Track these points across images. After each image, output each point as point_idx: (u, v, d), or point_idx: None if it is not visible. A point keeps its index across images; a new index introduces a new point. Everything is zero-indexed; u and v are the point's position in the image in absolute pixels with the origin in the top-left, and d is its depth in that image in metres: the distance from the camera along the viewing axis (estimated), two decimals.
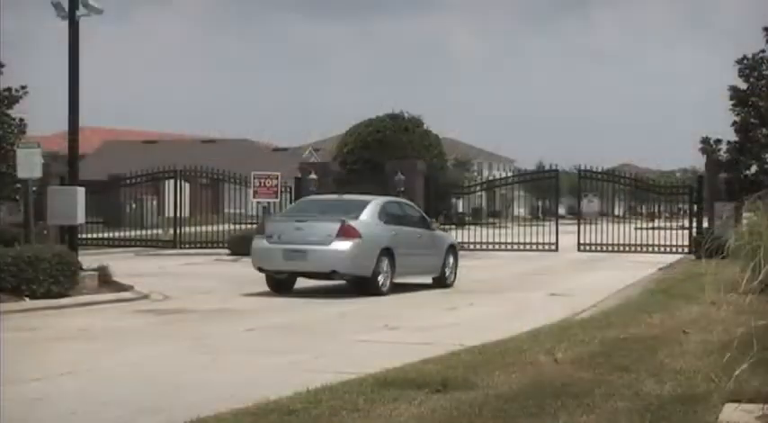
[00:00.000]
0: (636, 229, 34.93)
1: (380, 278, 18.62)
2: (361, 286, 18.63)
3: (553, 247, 34.16)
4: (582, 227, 34.36)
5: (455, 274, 21.22)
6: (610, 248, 33.97)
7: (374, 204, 19.57)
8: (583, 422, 7.24)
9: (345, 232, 18.38)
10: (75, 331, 13.47)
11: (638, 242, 34.00)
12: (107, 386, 9.39)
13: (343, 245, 18.30)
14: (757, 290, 7.00)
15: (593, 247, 34.02)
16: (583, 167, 36.54)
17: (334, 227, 18.42)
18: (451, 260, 21.05)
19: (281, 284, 19.13)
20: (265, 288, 19.18)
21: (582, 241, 34.24)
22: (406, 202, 22.58)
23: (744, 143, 31.77)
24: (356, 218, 18.77)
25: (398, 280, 19.29)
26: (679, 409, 7.50)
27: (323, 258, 18.33)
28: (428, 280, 20.64)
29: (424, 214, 22.22)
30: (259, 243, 19.19)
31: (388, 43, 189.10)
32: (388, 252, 18.84)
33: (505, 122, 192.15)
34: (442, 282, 20.65)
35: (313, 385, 8.40)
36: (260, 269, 19.18)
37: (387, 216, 19.59)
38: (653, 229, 35.06)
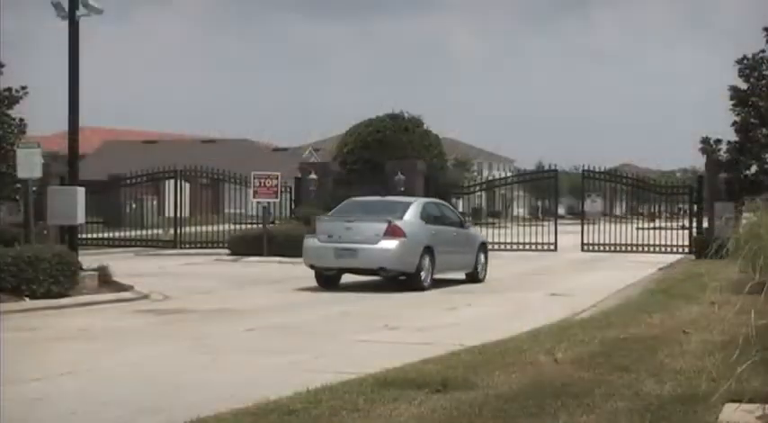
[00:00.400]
0: (638, 229, 34.93)
1: (423, 274, 19.82)
2: (406, 282, 19.79)
3: (552, 246, 34.25)
4: (585, 227, 34.46)
5: (486, 269, 22.58)
6: (613, 248, 34.05)
7: (416, 205, 21.01)
8: (583, 422, 7.24)
9: (392, 232, 19.60)
10: (75, 331, 13.47)
11: (640, 242, 34.06)
12: (107, 386, 9.39)
13: (390, 243, 19.50)
14: (757, 290, 7.00)
15: (597, 247, 34.13)
16: (586, 168, 36.53)
17: (382, 227, 19.63)
18: (482, 257, 22.49)
19: (328, 280, 20.27)
20: (265, 287, 19.23)
21: (585, 241, 34.33)
22: (442, 203, 23.76)
23: (744, 143, 31.72)
24: (400, 218, 20.03)
25: (437, 276, 20.36)
26: (679, 409, 7.50)
27: (372, 256, 19.48)
28: (461, 275, 21.80)
29: (458, 214, 23.67)
30: (311, 242, 20.21)
31: (388, 43, 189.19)
32: (429, 250, 20.01)
33: (505, 122, 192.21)
34: (474, 277, 22.02)
35: (313, 385, 8.41)
36: (312, 266, 20.30)
37: (427, 216, 20.88)
38: (655, 229, 35.06)
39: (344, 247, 19.58)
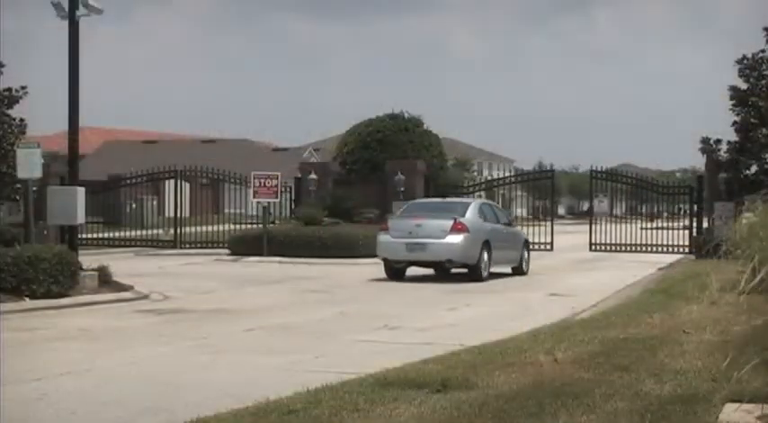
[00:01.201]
0: (642, 229, 34.94)
1: (482, 266, 22.01)
2: (468, 273, 22.00)
3: (548, 246, 34.26)
4: (592, 226, 34.49)
5: (528, 264, 24.71)
6: (619, 248, 34.10)
7: (474, 205, 23.58)
8: (583, 422, 7.24)
9: (457, 228, 21.79)
10: (75, 331, 13.46)
11: (645, 242, 34.08)
12: (107, 386, 9.39)
13: (456, 238, 21.72)
14: (756, 289, 6.99)
15: (604, 247, 34.21)
16: (594, 168, 36.48)
17: (448, 223, 21.80)
18: (526, 253, 24.76)
19: (396, 272, 22.40)
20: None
21: (593, 241, 34.39)
22: (494, 204, 26.82)
23: (744, 143, 31.68)
24: (463, 216, 22.25)
25: (492, 269, 22.47)
26: (679, 409, 7.49)
27: (440, 249, 21.69)
28: (507, 269, 23.79)
29: (506, 214, 26.13)
30: (384, 238, 22.41)
31: (388, 43, 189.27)
32: (487, 245, 22.25)
33: (505, 122, 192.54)
34: (519, 270, 24.17)
35: (313, 385, 8.41)
36: (384, 259, 22.49)
37: (483, 215, 23.13)
38: (659, 228, 35.08)
39: (415, 242, 21.72)
